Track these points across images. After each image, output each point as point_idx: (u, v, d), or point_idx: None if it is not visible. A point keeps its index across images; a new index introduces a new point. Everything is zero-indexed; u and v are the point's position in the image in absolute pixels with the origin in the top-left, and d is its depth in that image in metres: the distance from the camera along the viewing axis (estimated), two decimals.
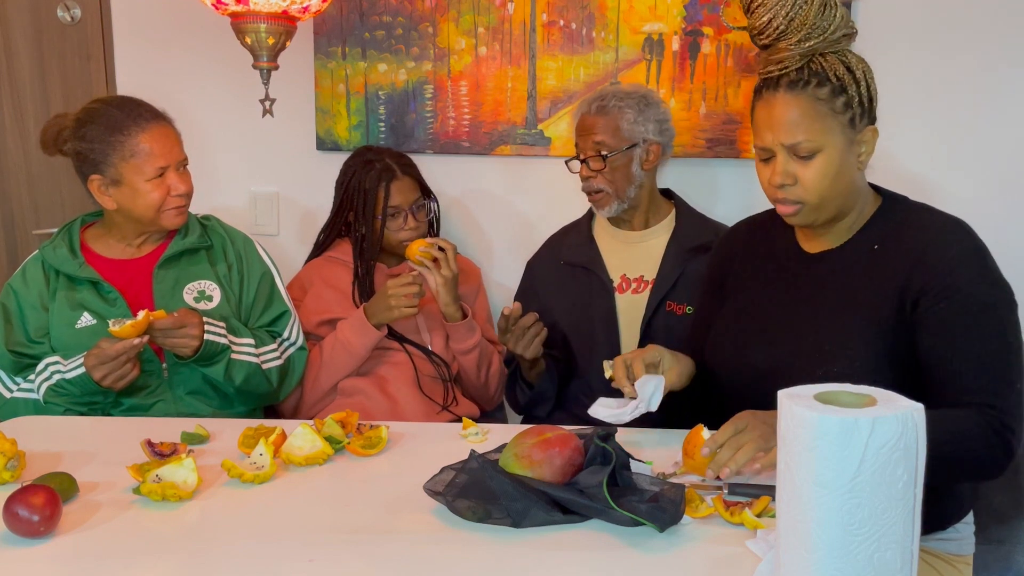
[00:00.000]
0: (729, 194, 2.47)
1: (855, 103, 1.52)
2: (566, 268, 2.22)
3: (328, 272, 2.29)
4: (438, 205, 2.36)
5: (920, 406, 0.99)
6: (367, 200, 2.22)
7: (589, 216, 2.28)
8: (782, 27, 1.54)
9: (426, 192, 2.32)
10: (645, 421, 1.64)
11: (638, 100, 2.14)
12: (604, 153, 2.10)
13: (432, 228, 2.36)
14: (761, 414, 1.43)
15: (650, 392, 1.59)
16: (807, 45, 1.52)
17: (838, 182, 1.54)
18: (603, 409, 1.63)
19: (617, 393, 1.71)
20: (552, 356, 2.16)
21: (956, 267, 1.49)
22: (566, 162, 2.20)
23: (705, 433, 1.45)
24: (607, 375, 1.71)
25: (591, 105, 2.15)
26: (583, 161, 2.13)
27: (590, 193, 2.15)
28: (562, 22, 2.43)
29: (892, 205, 1.62)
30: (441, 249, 2.12)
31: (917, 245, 1.53)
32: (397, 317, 2.11)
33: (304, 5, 1.97)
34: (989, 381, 1.46)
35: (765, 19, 1.55)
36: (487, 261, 2.56)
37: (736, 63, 2.40)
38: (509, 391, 2.27)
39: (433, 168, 2.47)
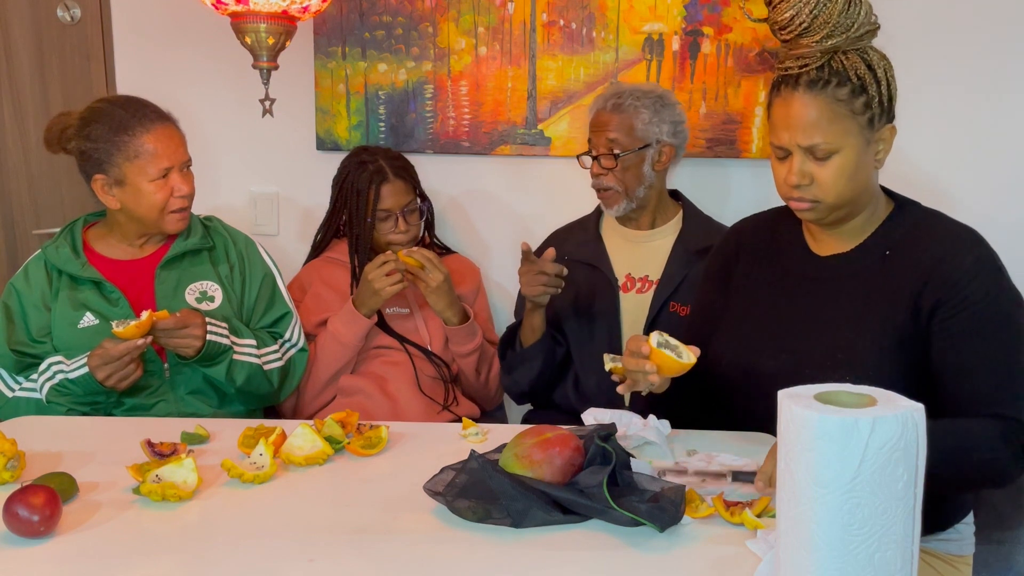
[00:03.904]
0: (738, 195, 2.47)
1: (875, 103, 1.48)
2: (570, 264, 2.21)
3: (327, 273, 2.29)
4: (431, 207, 2.35)
5: (920, 406, 0.99)
6: (359, 202, 2.21)
7: (597, 214, 2.26)
8: (805, 23, 1.48)
9: (419, 194, 2.31)
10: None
11: (654, 100, 2.11)
12: (616, 152, 2.08)
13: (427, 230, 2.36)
14: None
15: (655, 432, 1.60)
16: (830, 43, 1.47)
17: (855, 181, 1.51)
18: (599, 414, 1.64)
19: (614, 390, 1.70)
20: (552, 335, 2.15)
21: (973, 278, 1.47)
22: (578, 157, 2.16)
23: (653, 339, 1.50)
24: (607, 367, 1.71)
25: (607, 101, 2.12)
26: (595, 158, 2.11)
27: (599, 190, 2.13)
28: (562, 22, 2.43)
29: (904, 210, 1.59)
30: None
31: (932, 254, 1.51)
32: (386, 297, 2.11)
33: (304, 5, 1.97)
34: (1007, 391, 1.45)
35: (788, 15, 1.50)
36: (486, 261, 2.56)
37: (736, 63, 2.40)
38: (500, 355, 2.22)
39: (433, 168, 2.47)
